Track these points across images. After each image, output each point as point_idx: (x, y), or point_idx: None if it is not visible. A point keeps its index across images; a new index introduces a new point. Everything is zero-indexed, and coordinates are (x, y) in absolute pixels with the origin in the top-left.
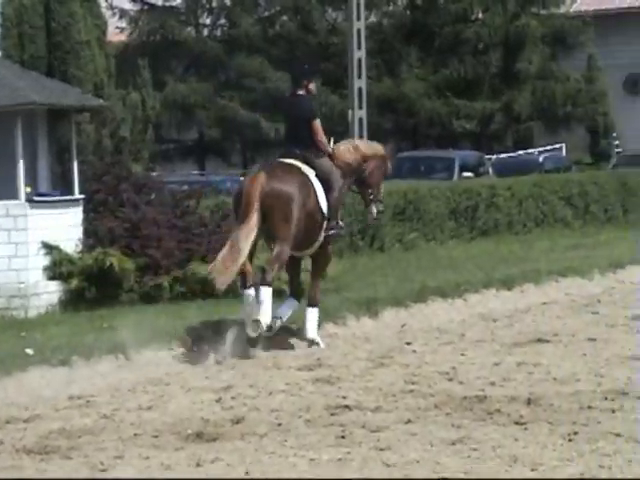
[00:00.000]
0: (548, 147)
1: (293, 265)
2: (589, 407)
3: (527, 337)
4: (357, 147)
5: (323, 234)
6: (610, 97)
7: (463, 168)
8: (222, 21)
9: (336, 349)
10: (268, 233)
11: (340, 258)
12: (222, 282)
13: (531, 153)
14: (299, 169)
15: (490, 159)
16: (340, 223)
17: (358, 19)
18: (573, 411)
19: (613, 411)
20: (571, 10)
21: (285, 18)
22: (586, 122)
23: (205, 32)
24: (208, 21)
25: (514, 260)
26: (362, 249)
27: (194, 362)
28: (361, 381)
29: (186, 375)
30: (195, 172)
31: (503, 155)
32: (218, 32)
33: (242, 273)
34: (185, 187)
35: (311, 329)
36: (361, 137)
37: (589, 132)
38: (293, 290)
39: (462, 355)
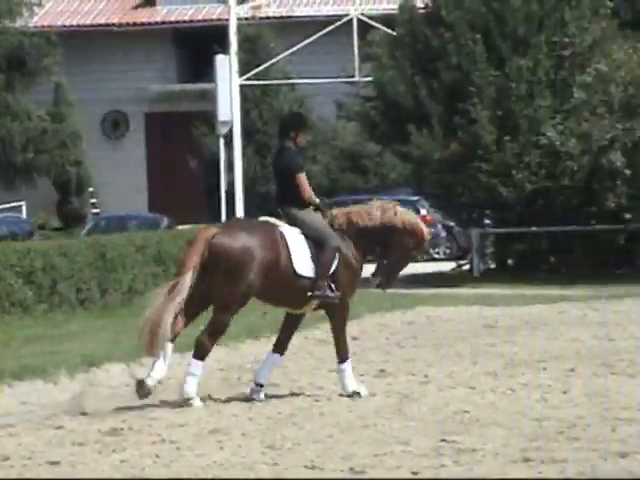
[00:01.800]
0: (3, 206)
1: (290, 317)
2: None
3: None
4: (387, 212)
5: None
6: (86, 141)
7: None
8: None
9: None
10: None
11: None
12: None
13: None
14: (270, 225)
15: None
16: (333, 286)
17: None
18: None
19: None
20: (31, 25)
21: None
22: (53, 173)
23: None
24: None
25: None
26: None
27: None
28: None
29: None
30: None
31: None
32: None
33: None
34: None
35: (350, 384)
36: None
37: (57, 187)
38: (279, 343)
39: None
